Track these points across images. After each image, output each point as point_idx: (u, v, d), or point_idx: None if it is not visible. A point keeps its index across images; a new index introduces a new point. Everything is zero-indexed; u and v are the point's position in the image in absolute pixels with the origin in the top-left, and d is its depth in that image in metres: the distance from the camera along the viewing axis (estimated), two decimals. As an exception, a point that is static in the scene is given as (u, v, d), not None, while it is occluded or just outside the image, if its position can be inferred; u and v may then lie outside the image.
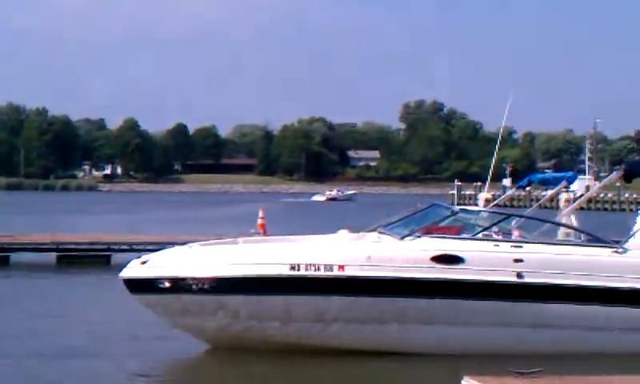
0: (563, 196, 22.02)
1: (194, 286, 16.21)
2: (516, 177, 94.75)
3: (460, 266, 16.12)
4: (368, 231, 17.63)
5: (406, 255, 16.12)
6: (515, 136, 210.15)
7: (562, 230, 18.55)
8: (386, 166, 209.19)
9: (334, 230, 18.23)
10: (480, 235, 16.90)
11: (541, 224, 18.18)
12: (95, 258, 31.61)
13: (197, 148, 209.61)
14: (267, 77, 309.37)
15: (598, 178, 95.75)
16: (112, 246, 32.19)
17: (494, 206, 21.14)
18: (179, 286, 16.29)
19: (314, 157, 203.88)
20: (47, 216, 66.49)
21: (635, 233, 17.42)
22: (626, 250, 16.79)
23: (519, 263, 16.25)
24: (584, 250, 16.89)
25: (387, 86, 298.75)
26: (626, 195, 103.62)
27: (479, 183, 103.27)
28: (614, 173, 19.25)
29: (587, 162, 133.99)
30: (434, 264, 16.06)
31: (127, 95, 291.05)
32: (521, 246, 16.54)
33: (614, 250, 16.80)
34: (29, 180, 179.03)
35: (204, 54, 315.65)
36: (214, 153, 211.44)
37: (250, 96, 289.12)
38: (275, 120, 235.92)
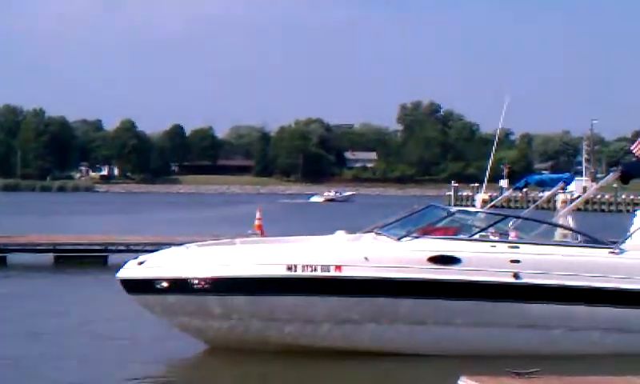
0: (560, 197, 22.03)
1: (191, 287, 16.22)
2: (513, 178, 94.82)
3: (457, 266, 16.13)
4: (365, 232, 17.65)
5: (403, 256, 16.13)
6: (512, 137, 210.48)
7: (558, 231, 18.56)
8: (383, 167, 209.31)
9: (332, 231, 18.24)
10: (477, 236, 16.92)
11: (538, 225, 18.22)
12: (92, 259, 31.60)
13: (194, 149, 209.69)
14: (264, 78, 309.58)
15: (594, 180, 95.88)
16: (109, 247, 32.20)
17: (491, 207, 21.18)
18: (176, 286, 16.29)
19: (311, 158, 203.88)
20: (44, 217, 66.52)
21: (632, 234, 17.44)
22: (622, 251, 16.80)
23: (516, 264, 16.26)
24: (581, 251, 16.90)
25: (384, 87, 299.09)
26: (623, 196, 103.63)
27: (476, 184, 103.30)
28: (611, 174, 19.25)
29: (584, 164, 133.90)
30: (430, 265, 16.07)
31: (124, 96, 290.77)
32: (518, 247, 16.55)
33: (611, 250, 16.82)
34: (26, 181, 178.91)
35: (201, 55, 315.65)
36: (211, 154, 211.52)
37: (247, 97, 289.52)
38: (272, 121, 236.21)
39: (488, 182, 23.95)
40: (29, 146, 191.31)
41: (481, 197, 23.75)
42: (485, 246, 16.53)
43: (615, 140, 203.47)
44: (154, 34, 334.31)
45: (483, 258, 16.26)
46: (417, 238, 16.53)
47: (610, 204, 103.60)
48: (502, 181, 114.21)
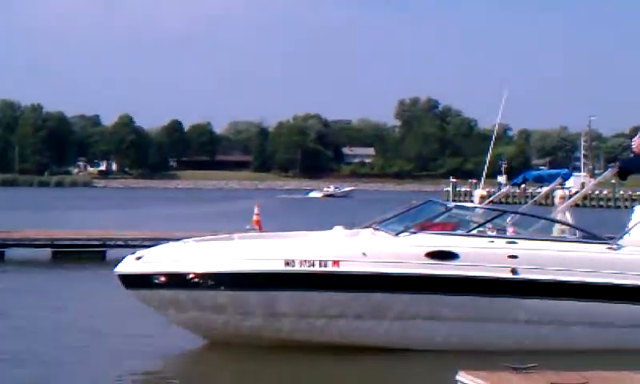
0: (558, 193, 22.02)
1: (188, 282, 16.22)
2: (511, 174, 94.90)
3: (454, 262, 16.14)
4: (363, 227, 17.66)
5: (401, 251, 16.14)
6: (510, 133, 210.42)
7: (557, 227, 18.57)
8: (381, 163, 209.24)
9: (330, 227, 18.24)
10: (475, 232, 16.93)
11: (536, 221, 18.22)
12: (90, 254, 31.59)
13: (192, 144, 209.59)
14: (263, 74, 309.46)
15: (592, 175, 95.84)
16: (107, 242, 32.19)
17: (489, 202, 21.17)
18: (174, 281, 16.30)
19: (309, 153, 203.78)
20: (42, 212, 66.46)
21: (630, 229, 17.45)
22: (620, 247, 16.82)
23: (514, 259, 16.27)
24: (579, 247, 16.92)
25: (382, 82, 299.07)
26: (621, 192, 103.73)
27: (474, 180, 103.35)
28: (609, 170, 19.24)
29: (582, 160, 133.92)
30: (428, 260, 16.08)
31: (122, 92, 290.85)
32: (515, 243, 16.56)
33: (609, 246, 16.83)
34: (23, 176, 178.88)
35: (200, 52, 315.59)
36: (209, 149, 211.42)
37: (246, 93, 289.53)
38: (270, 117, 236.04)
39: (486, 177, 23.97)
40: (27, 141, 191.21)
41: (479, 192, 23.77)
42: (483, 242, 16.54)
43: (613, 136, 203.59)
44: (153, 31, 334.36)
45: (481, 254, 16.27)
46: (415, 233, 16.54)
47: (608, 200, 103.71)
48: (500, 176, 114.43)
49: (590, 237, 17.31)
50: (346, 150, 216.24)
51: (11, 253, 31.39)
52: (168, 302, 16.49)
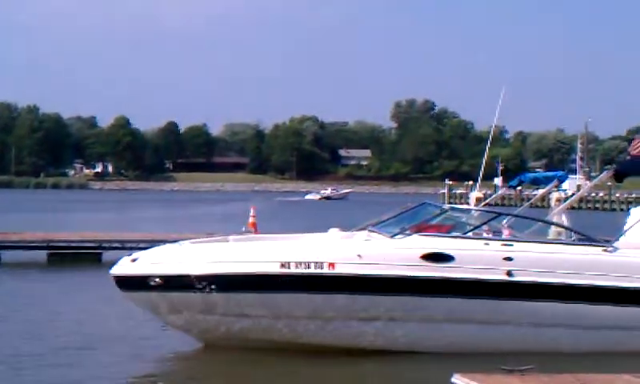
0: (554, 195, 22.09)
1: (184, 284, 16.19)
2: (507, 176, 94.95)
3: (450, 264, 16.12)
4: (358, 230, 17.65)
5: (396, 253, 16.12)
6: (507, 135, 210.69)
7: (552, 229, 18.60)
8: (377, 165, 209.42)
9: (327, 229, 18.24)
10: (470, 234, 16.91)
11: (531, 223, 18.22)
12: (86, 256, 31.54)
13: (188, 146, 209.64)
14: (259, 76, 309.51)
15: (589, 178, 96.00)
16: (103, 244, 32.13)
17: (485, 204, 21.19)
18: (170, 283, 16.27)
19: (306, 156, 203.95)
20: (38, 214, 66.40)
21: (626, 232, 17.46)
22: (616, 249, 16.82)
23: (509, 262, 16.26)
24: (575, 249, 16.91)
25: (379, 84, 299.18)
26: (617, 195, 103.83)
27: (470, 182, 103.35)
28: (605, 172, 19.27)
29: (578, 162, 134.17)
30: (423, 262, 16.06)
31: (119, 93, 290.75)
32: (511, 245, 16.55)
33: (605, 248, 16.83)
34: (20, 178, 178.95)
35: (198, 52, 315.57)
36: (206, 151, 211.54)
37: (242, 95, 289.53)
38: (266, 119, 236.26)
39: (482, 179, 23.97)
40: (23, 142, 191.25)
41: (475, 195, 23.72)
42: (478, 244, 16.53)
43: (609, 138, 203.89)
44: (150, 31, 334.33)
45: (476, 256, 16.26)
46: (410, 235, 16.53)
47: (604, 202, 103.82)
48: (496, 178, 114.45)
49: (586, 239, 17.31)
50: (343, 152, 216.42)
51: (7, 255, 31.32)
52: (163, 304, 16.46)
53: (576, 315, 16.42)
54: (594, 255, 16.69)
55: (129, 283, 16.65)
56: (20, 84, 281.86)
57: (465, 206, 21.73)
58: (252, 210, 37.63)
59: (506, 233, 17.63)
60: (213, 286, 16.10)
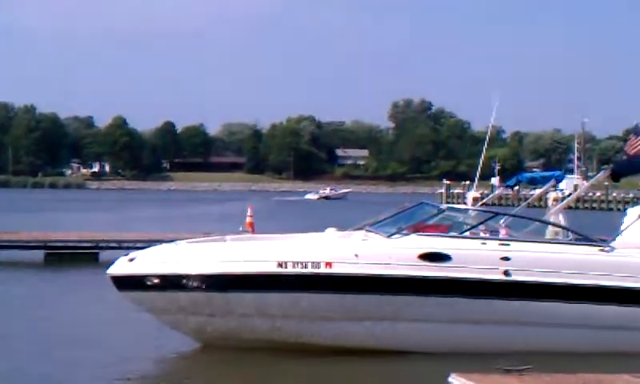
0: (551, 195, 22.10)
1: (181, 283, 16.19)
2: (504, 176, 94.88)
3: (447, 263, 16.12)
4: (355, 229, 17.64)
5: (394, 253, 16.12)
6: (504, 135, 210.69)
7: (550, 229, 18.60)
8: (374, 165, 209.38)
9: (324, 229, 18.24)
10: (467, 233, 16.92)
11: (529, 223, 18.21)
12: (83, 256, 31.51)
13: (185, 146, 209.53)
14: (256, 75, 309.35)
15: (586, 178, 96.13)
16: (100, 244, 32.12)
17: (482, 204, 21.17)
18: (167, 283, 16.27)
19: (303, 155, 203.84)
20: (35, 213, 66.36)
21: (623, 231, 17.47)
22: (613, 249, 16.82)
23: (506, 261, 16.26)
24: (572, 249, 16.92)
25: (376, 84, 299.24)
26: (614, 194, 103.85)
27: (468, 182, 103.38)
28: (602, 172, 19.29)
29: (575, 162, 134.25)
30: (421, 262, 16.07)
31: (116, 93, 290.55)
32: (508, 245, 16.55)
33: (602, 248, 16.84)
34: (17, 178, 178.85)
35: (193, 53, 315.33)
36: (203, 151, 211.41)
37: (239, 94, 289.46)
38: (264, 118, 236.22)
39: (479, 179, 23.98)
40: (20, 142, 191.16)
41: (472, 194, 23.76)
42: (475, 244, 16.53)
43: (606, 138, 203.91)
44: (147, 31, 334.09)
45: (474, 256, 16.26)
46: (407, 235, 16.53)
47: (601, 202, 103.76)
48: (493, 178, 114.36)
49: (582, 239, 17.32)
50: (340, 152, 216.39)
51: (4, 254, 31.30)
52: (160, 303, 16.45)
53: (573, 315, 16.41)
54: (591, 255, 16.70)
55: (126, 283, 16.64)
56: (16, 84, 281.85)
57: (462, 206, 21.71)
58: (249, 210, 37.63)
59: (503, 232, 17.62)
60: (210, 286, 16.09)
